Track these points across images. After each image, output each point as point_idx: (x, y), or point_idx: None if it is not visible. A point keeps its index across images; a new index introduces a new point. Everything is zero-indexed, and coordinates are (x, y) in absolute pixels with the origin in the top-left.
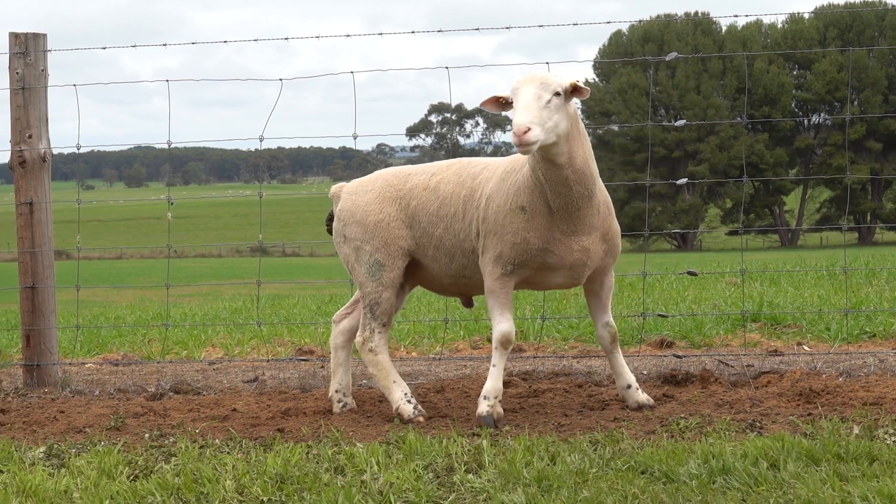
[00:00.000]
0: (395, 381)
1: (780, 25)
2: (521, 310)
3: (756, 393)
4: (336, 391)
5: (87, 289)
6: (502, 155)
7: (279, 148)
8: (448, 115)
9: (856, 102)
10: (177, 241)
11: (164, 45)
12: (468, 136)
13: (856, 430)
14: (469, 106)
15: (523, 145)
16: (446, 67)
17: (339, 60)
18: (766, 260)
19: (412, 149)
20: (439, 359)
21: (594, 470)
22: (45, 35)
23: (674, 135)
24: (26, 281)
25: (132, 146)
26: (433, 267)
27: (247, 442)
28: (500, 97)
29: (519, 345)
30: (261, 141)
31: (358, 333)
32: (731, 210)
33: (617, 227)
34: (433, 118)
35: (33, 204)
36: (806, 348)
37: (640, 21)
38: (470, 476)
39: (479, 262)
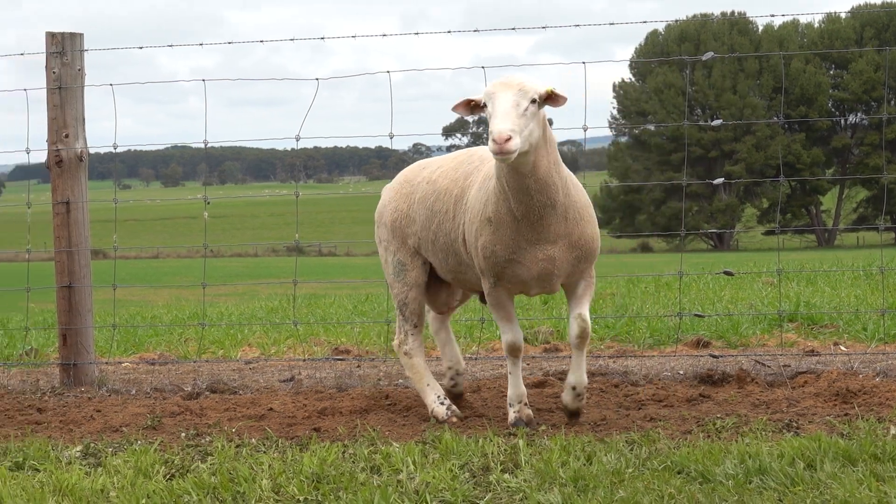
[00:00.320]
0: (428, 385)
1: (816, 25)
2: (557, 309)
3: (793, 393)
4: (448, 368)
5: (124, 288)
6: None
7: (315, 147)
8: (484, 115)
9: (892, 102)
10: (213, 241)
11: (201, 44)
12: None
13: (893, 431)
14: None
15: (503, 154)
16: (482, 67)
17: (375, 60)
18: (803, 260)
19: (448, 148)
20: (476, 358)
21: (630, 470)
22: (81, 35)
23: (710, 134)
24: (63, 280)
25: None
26: (435, 263)
27: (283, 441)
28: (472, 100)
29: (555, 344)
30: (297, 140)
31: (395, 336)
32: (767, 210)
33: (592, 232)
34: (469, 118)
35: (70, 203)
36: (843, 348)
37: (677, 20)
38: (506, 476)
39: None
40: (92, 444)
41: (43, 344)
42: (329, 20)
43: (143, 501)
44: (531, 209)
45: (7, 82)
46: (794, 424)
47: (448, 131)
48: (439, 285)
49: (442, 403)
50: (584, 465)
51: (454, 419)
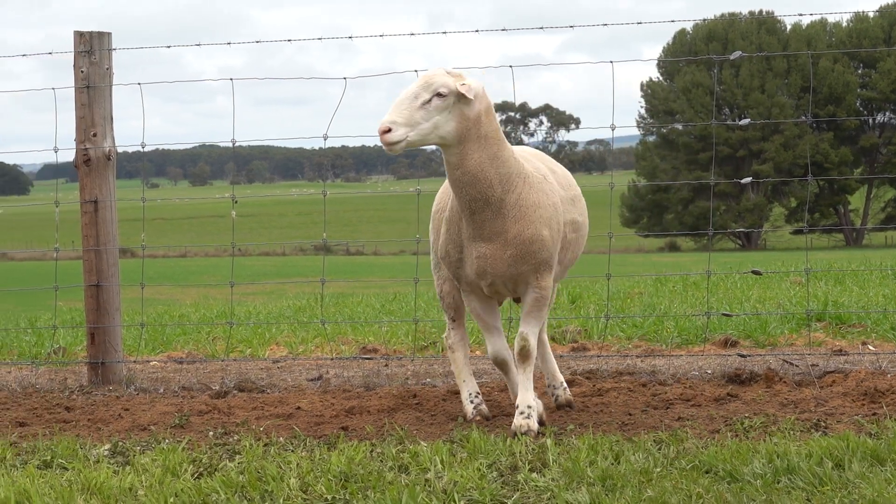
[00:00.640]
0: (464, 381)
1: (844, 24)
2: (584, 309)
3: (821, 392)
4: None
5: (152, 287)
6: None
7: (343, 146)
8: (512, 113)
9: None
10: (241, 240)
11: (229, 43)
12: (532, 135)
13: None
14: (533, 105)
15: (385, 144)
16: (510, 66)
17: (402, 59)
18: (831, 259)
19: None
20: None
21: (658, 469)
22: (109, 34)
23: (738, 134)
24: (91, 279)
25: (196, 144)
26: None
27: (311, 440)
28: None
29: (583, 343)
30: (325, 139)
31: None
32: (795, 209)
33: (532, 233)
34: (497, 116)
35: (98, 202)
36: (871, 348)
37: (705, 20)
38: (534, 475)
39: None
40: (120, 443)
41: (71, 343)
42: (356, 19)
43: (171, 500)
44: (464, 203)
45: (35, 81)
46: (823, 424)
47: None
48: None
49: (471, 402)
50: (612, 464)
51: (478, 418)
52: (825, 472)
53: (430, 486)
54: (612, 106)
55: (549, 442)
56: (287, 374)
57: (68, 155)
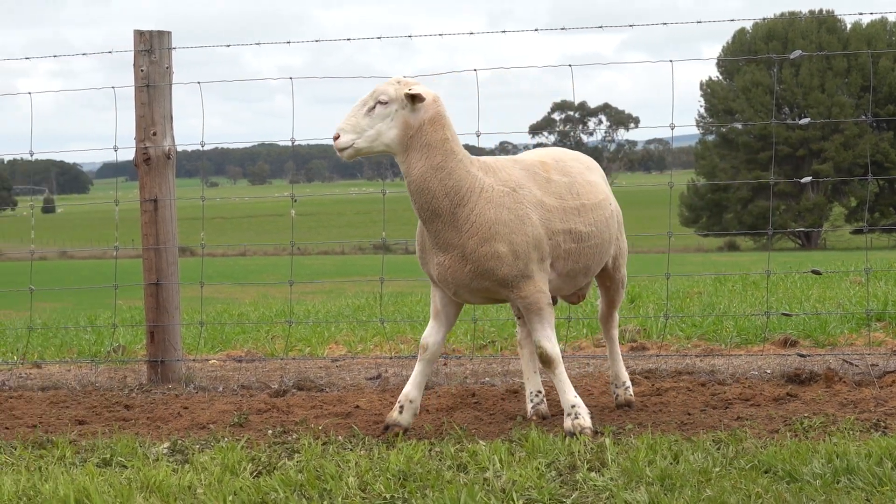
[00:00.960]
0: (527, 379)
1: None
2: (643, 308)
3: (880, 392)
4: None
5: (211, 285)
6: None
7: None
8: (571, 112)
9: None
10: (300, 239)
11: (288, 42)
12: (591, 134)
13: None
14: (592, 104)
15: (337, 149)
16: (569, 65)
17: (461, 58)
18: (892, 259)
19: (535, 147)
20: (562, 357)
21: (717, 469)
22: (169, 33)
23: (798, 133)
24: (150, 278)
25: (256, 143)
26: None
27: (370, 439)
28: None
29: (642, 343)
30: None
31: None
32: (855, 209)
33: (490, 250)
34: (556, 116)
35: (158, 201)
36: None
37: (764, 19)
38: (592, 474)
39: None
40: (179, 441)
41: (130, 341)
42: (415, 18)
43: (230, 498)
44: (416, 212)
45: (95, 80)
46: (882, 424)
47: (535, 129)
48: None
49: (530, 401)
50: (671, 463)
51: (534, 418)
52: (885, 472)
53: (488, 486)
54: (671, 105)
55: (607, 441)
56: (346, 373)
57: (128, 154)
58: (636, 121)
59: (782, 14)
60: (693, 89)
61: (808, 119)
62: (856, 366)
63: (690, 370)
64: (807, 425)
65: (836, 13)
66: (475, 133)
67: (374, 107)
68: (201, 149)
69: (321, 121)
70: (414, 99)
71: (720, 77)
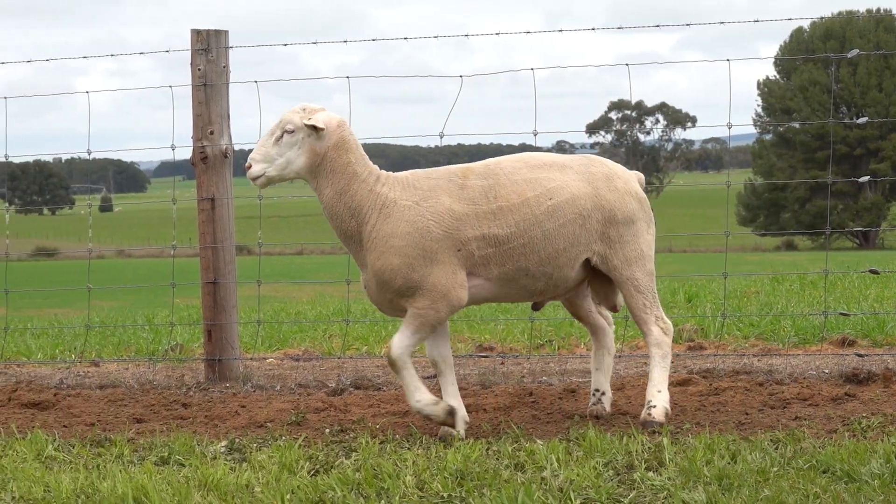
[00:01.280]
0: (592, 376)
1: None
2: (701, 307)
3: None
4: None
5: (268, 284)
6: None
7: (459, 144)
8: (628, 112)
9: None
10: None
11: (345, 41)
12: (648, 133)
13: None
14: (649, 103)
15: (250, 180)
16: (626, 64)
17: (518, 57)
18: None
19: (592, 146)
20: (619, 356)
21: (775, 469)
22: (226, 32)
23: (855, 132)
24: (208, 276)
25: None
26: None
27: (427, 438)
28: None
29: (699, 342)
30: (441, 137)
31: None
32: None
33: (383, 263)
34: (613, 115)
35: (215, 200)
36: None
37: (822, 18)
38: (650, 474)
39: None
40: (237, 440)
41: (188, 339)
42: (472, 17)
43: (288, 497)
44: (336, 234)
45: (153, 79)
46: None
47: (592, 128)
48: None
49: (590, 399)
50: (729, 463)
51: (589, 417)
52: None
53: (545, 485)
54: (728, 104)
55: (665, 441)
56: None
57: (185, 153)
58: (693, 120)
59: (840, 13)
60: (750, 88)
61: (866, 118)
62: None
63: (748, 370)
64: (865, 425)
65: (893, 12)
66: (532, 132)
67: (281, 136)
68: None
69: (378, 120)
70: (315, 128)
71: (777, 76)
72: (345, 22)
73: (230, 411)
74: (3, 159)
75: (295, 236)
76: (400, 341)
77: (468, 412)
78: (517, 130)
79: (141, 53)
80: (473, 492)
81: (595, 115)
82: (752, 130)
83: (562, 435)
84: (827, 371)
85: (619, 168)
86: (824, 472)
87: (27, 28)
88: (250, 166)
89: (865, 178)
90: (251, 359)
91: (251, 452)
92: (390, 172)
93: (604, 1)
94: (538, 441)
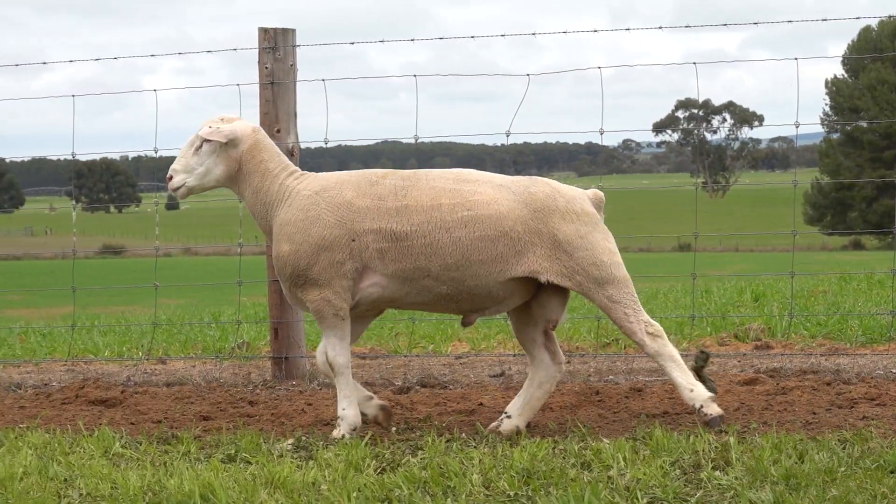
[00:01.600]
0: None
1: None
2: (768, 307)
3: None
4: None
5: None
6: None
7: (525, 143)
8: (695, 110)
9: None
10: None
11: (412, 40)
12: (715, 132)
13: None
14: (716, 102)
15: (171, 190)
16: (693, 63)
17: (585, 56)
18: None
19: (658, 145)
20: (686, 355)
21: (842, 469)
22: (293, 30)
23: None
24: (274, 274)
25: (379, 141)
26: None
27: (493, 436)
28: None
29: (766, 342)
30: (507, 136)
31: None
32: None
33: (277, 250)
34: (680, 114)
35: None
36: None
37: (890, 16)
38: (717, 473)
39: None
40: (303, 438)
41: (255, 337)
42: (539, 16)
43: (354, 495)
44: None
45: (220, 77)
46: None
47: (658, 127)
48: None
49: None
50: (796, 463)
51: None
52: None
53: (612, 484)
54: (796, 103)
55: (732, 440)
56: (469, 370)
57: None
58: (760, 119)
59: None
60: (818, 87)
61: None
62: None
63: (815, 369)
64: None
65: None
66: (598, 131)
67: (200, 146)
68: (325, 146)
69: (444, 118)
70: (227, 140)
71: (845, 75)
72: (411, 20)
73: (297, 409)
74: (71, 157)
75: None
76: (331, 347)
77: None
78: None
79: (208, 52)
80: (540, 490)
81: (662, 113)
82: (820, 129)
83: (628, 434)
84: (895, 371)
85: (563, 188)
86: (892, 472)
87: (94, 27)
88: (171, 177)
89: None
90: None
91: (318, 450)
92: (314, 172)
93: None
94: (605, 440)
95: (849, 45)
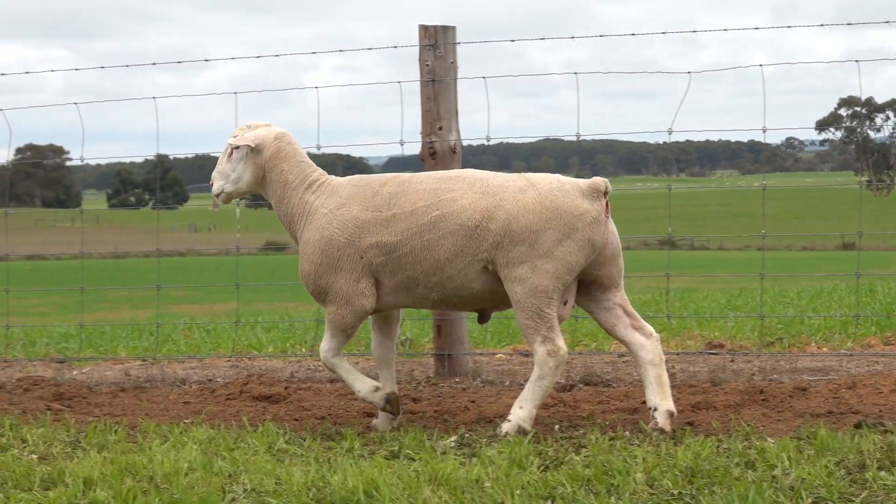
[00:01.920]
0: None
1: None
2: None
3: None
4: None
5: None
6: None
7: (687, 141)
8: (858, 108)
9: None
10: None
11: (573, 37)
12: (878, 131)
13: None
14: (880, 100)
15: (213, 196)
16: (856, 61)
17: (746, 53)
18: None
19: (821, 143)
20: (850, 354)
21: None
22: (454, 28)
23: None
24: None
25: (541, 138)
26: None
27: (657, 435)
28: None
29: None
30: (669, 133)
31: None
32: None
33: (301, 268)
34: (843, 112)
35: None
36: None
37: None
38: (882, 473)
39: None
40: (466, 435)
41: (418, 335)
42: (699, 13)
43: (518, 492)
44: None
45: (381, 75)
46: None
47: (821, 125)
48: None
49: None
50: None
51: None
52: None
53: (776, 483)
54: None
55: None
56: (632, 369)
57: (414, 148)
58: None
59: None
60: None
61: None
62: None
63: None
64: None
65: None
66: (761, 129)
67: (231, 153)
68: (486, 143)
69: (606, 116)
70: (251, 147)
71: None
72: (571, 17)
73: (460, 406)
74: None
75: None
76: (322, 346)
77: (698, 409)
78: (745, 127)
79: (369, 49)
80: (704, 489)
81: (824, 111)
82: None
83: (793, 433)
84: None
85: (549, 179)
86: None
87: (256, 24)
88: (212, 183)
89: None
90: (480, 354)
91: (481, 447)
92: (332, 178)
93: None
94: (769, 439)
95: None
